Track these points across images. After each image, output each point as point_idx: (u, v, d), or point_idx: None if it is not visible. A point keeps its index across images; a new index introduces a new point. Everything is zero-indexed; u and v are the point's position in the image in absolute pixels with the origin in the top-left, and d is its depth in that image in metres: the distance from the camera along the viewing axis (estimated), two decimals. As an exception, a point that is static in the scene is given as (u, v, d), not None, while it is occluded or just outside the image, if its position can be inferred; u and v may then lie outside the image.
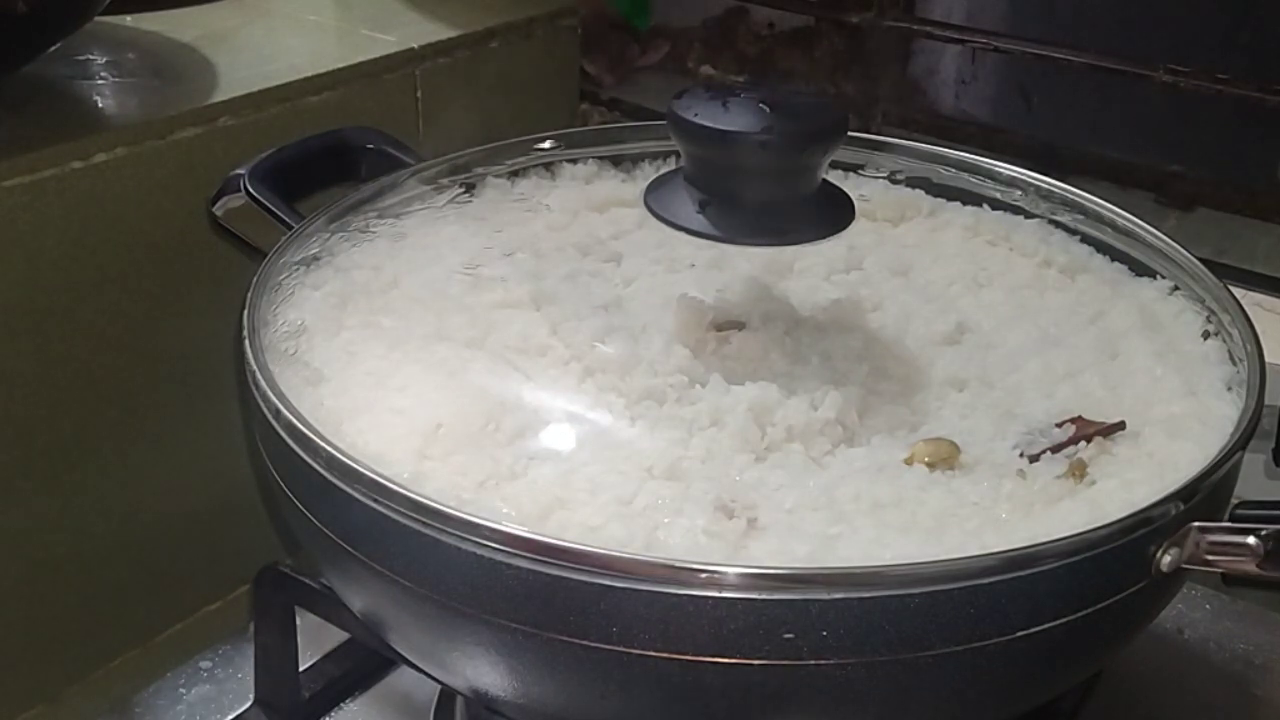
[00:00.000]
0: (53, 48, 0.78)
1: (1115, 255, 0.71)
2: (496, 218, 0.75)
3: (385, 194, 0.73)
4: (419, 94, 0.89)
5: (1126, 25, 0.97)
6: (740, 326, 0.63)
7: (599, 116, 1.16)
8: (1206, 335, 0.64)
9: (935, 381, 0.60)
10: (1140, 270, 0.70)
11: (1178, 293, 0.67)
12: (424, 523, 0.48)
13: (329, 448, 0.52)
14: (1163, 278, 0.68)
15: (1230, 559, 0.50)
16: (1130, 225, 0.71)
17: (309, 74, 0.82)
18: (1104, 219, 0.72)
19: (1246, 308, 0.63)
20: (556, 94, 1.01)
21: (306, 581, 0.66)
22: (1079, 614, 0.48)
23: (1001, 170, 0.76)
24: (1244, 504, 0.54)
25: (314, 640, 0.73)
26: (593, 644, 0.47)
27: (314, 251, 0.69)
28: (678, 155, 0.82)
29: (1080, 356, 0.62)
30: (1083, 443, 0.55)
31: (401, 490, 0.49)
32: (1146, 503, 0.50)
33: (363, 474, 0.50)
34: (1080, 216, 0.73)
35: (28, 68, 0.77)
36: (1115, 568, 0.49)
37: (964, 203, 0.77)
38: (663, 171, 0.80)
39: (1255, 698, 0.73)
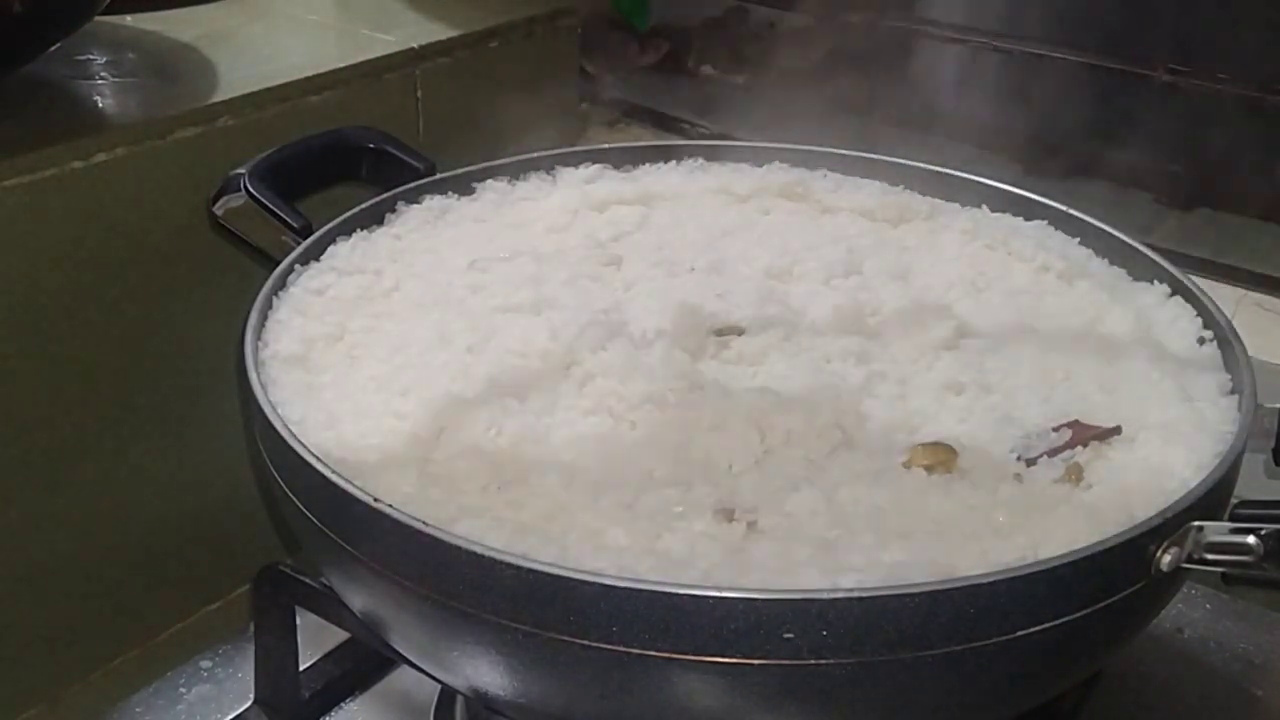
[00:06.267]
0: (53, 48, 0.78)
1: (1114, 259, 0.71)
2: (497, 219, 0.75)
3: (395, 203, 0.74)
4: (419, 94, 0.89)
5: (1127, 25, 0.97)
6: (740, 331, 0.63)
7: (599, 116, 1.16)
8: (1202, 341, 0.64)
9: (933, 386, 0.60)
10: (1138, 275, 0.70)
11: (1175, 298, 0.67)
12: (424, 523, 0.48)
13: (329, 448, 0.52)
14: (1160, 282, 0.68)
15: (1230, 558, 0.50)
16: (1120, 240, 0.71)
17: (309, 74, 0.82)
18: (1094, 232, 0.72)
19: (1246, 308, 0.63)
20: (556, 94, 1.01)
21: (306, 581, 0.66)
22: (1079, 614, 0.48)
23: (998, 187, 0.77)
24: (1244, 504, 0.54)
25: (314, 640, 0.73)
26: (593, 644, 0.47)
27: (317, 255, 0.69)
28: (678, 155, 0.82)
29: (1077, 361, 0.62)
30: (1079, 447, 0.55)
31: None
32: (1142, 507, 0.50)
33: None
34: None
35: (28, 68, 0.77)
36: (1115, 567, 0.49)
37: (962, 204, 0.77)
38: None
39: (1255, 698, 0.73)
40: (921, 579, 0.46)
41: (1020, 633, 0.47)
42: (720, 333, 0.62)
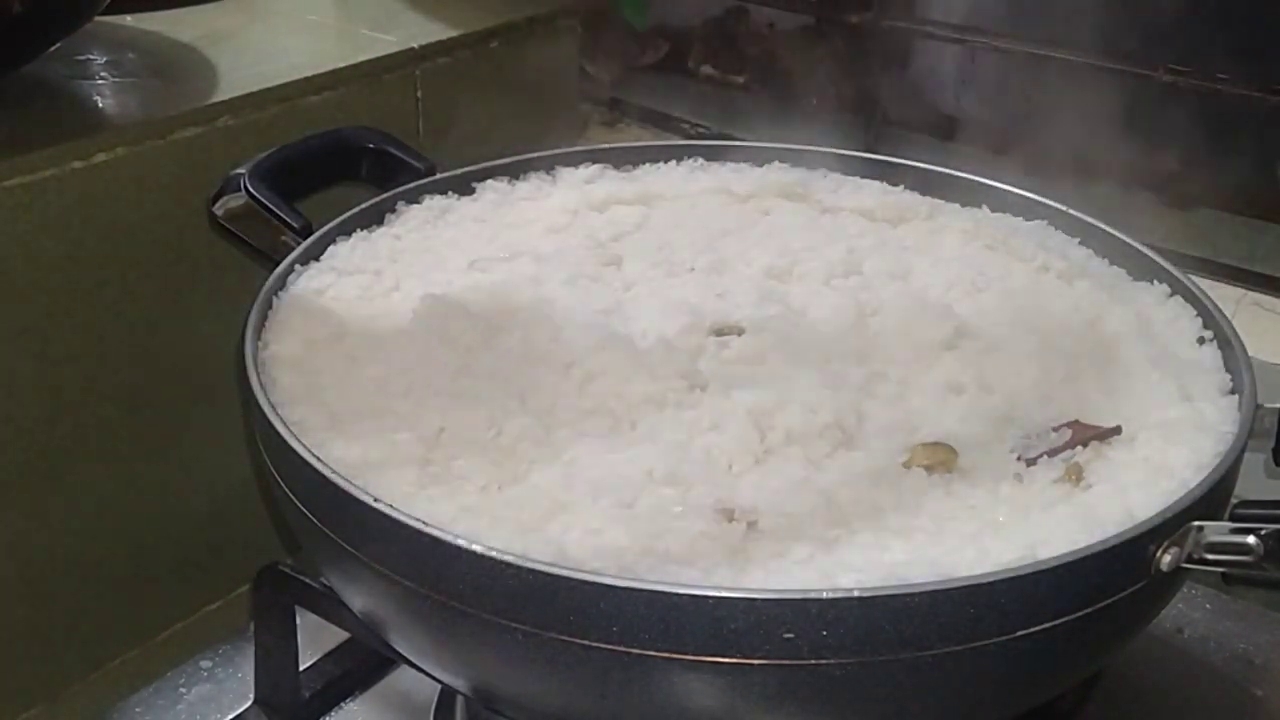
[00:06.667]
0: (53, 48, 0.78)
1: (1114, 259, 0.71)
2: (497, 219, 0.75)
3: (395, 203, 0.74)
4: (419, 94, 0.89)
5: (1126, 25, 0.97)
6: (739, 331, 0.63)
7: (599, 116, 1.16)
8: (1202, 341, 0.64)
9: (933, 386, 0.60)
10: (1138, 275, 0.70)
11: (1174, 298, 0.67)
12: (424, 523, 0.48)
13: (329, 448, 0.52)
14: (1160, 282, 0.68)
15: (1230, 558, 0.50)
16: (1120, 240, 0.71)
17: (309, 74, 0.82)
18: (1094, 232, 0.72)
19: (1246, 308, 0.63)
20: (556, 94, 1.01)
21: (306, 581, 0.66)
22: (1079, 614, 0.48)
23: (998, 187, 0.77)
24: (1244, 504, 0.54)
25: (314, 640, 0.73)
26: (593, 644, 0.47)
27: (317, 255, 0.69)
28: (678, 155, 0.82)
29: (1077, 361, 0.62)
30: (1079, 447, 0.55)
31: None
32: (1142, 507, 0.50)
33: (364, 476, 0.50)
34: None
35: (28, 68, 0.77)
36: (1115, 567, 0.49)
37: (962, 204, 0.77)
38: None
39: (1255, 698, 0.73)
40: (921, 579, 0.46)
41: (1020, 633, 0.47)
42: (720, 333, 0.62)
